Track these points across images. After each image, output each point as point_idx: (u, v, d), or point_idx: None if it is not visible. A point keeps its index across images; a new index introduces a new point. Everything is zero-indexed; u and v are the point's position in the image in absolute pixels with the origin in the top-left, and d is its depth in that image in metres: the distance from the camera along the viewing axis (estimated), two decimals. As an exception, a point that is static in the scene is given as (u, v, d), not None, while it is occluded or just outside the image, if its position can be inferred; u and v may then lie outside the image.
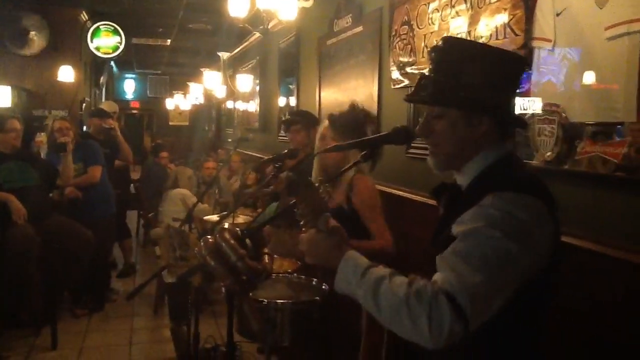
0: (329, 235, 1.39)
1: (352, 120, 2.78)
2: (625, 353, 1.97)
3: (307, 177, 1.40)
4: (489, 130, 1.42)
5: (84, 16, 8.64)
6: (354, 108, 2.86)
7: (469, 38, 2.93)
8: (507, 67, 1.46)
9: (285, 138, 4.94)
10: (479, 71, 1.41)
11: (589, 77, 2.21)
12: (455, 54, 1.44)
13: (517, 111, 2.58)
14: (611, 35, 2.08)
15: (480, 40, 2.82)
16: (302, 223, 1.42)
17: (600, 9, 2.14)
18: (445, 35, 3.15)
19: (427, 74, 1.51)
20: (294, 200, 1.48)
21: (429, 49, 1.51)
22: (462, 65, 1.41)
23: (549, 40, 2.41)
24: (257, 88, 8.51)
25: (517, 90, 1.53)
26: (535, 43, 2.50)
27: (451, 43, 1.50)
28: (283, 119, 4.02)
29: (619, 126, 2.06)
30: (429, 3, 3.36)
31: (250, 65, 9.06)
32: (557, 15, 2.37)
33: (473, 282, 1.19)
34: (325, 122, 2.86)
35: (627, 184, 2.02)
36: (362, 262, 1.33)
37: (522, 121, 1.53)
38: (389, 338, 1.46)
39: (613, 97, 2.09)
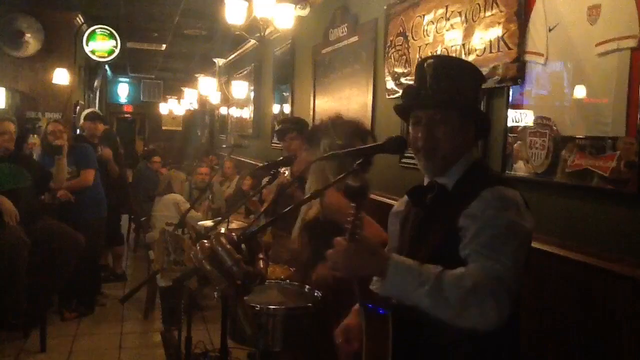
0: (362, 244, 1.38)
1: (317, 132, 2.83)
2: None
3: (367, 184, 1.39)
4: (473, 136, 1.63)
5: (80, 19, 8.64)
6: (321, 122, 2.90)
7: (463, 51, 2.98)
8: (480, 79, 1.69)
9: (279, 145, 4.95)
10: (468, 81, 1.61)
11: (580, 92, 2.25)
12: (449, 67, 1.61)
13: (510, 124, 2.64)
14: (602, 51, 2.13)
15: (475, 53, 2.87)
16: (352, 232, 1.39)
17: (592, 25, 2.18)
18: (438, 48, 3.19)
19: (419, 83, 1.63)
20: (289, 208, 1.50)
21: (418, 63, 1.61)
22: (457, 74, 1.58)
23: (542, 55, 2.46)
24: (252, 95, 8.53)
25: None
26: (528, 57, 2.54)
27: (442, 58, 1.72)
28: (276, 128, 3.98)
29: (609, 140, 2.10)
30: (424, 15, 3.40)
31: (245, 72, 9.09)
32: (550, 30, 2.42)
33: (511, 260, 1.36)
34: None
35: (615, 196, 2.06)
36: (410, 262, 1.39)
37: (488, 128, 1.75)
38: (395, 346, 1.47)
39: (603, 111, 2.13)
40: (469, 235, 1.43)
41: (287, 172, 3.22)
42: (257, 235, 1.63)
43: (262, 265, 1.54)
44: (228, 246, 1.43)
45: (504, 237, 1.40)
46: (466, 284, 1.30)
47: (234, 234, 1.52)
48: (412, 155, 3.60)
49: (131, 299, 5.05)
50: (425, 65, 1.62)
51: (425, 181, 1.66)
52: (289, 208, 1.49)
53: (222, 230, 1.60)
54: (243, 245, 1.52)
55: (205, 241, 1.48)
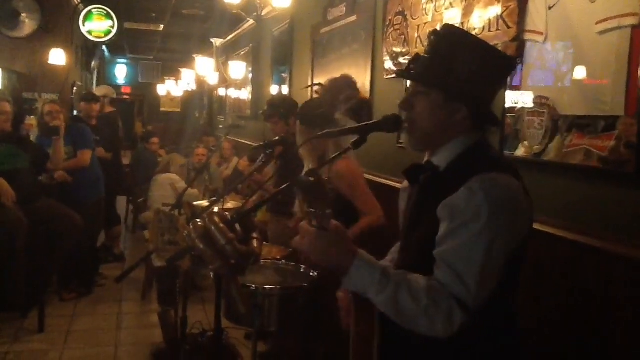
0: (334, 236, 1.34)
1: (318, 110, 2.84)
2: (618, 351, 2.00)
3: (317, 175, 1.36)
4: (465, 119, 1.47)
5: (76, -1, 8.57)
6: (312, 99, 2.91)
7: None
8: (496, 65, 1.51)
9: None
10: (470, 63, 1.45)
11: (579, 71, 2.23)
12: (452, 41, 1.48)
13: (508, 104, 2.61)
14: (602, 30, 2.10)
15: (474, 32, 2.83)
16: (306, 220, 1.37)
17: (592, 3, 2.15)
18: (437, 27, 3.15)
19: (422, 54, 1.54)
20: (284, 185, 1.48)
21: (429, 33, 1.53)
22: (457, 53, 1.46)
23: (541, 34, 2.43)
24: (250, 75, 8.48)
25: (501, 89, 1.61)
26: (527, 36, 2.51)
27: (451, 31, 1.53)
28: (264, 109, 4.02)
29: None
30: (423, -7, 3.36)
31: (243, 53, 9.02)
32: (550, 8, 2.38)
33: (475, 281, 1.30)
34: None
35: (614, 176, 2.05)
36: (375, 264, 1.35)
37: (496, 119, 1.56)
38: (381, 327, 1.46)
39: (602, 90, 2.11)
40: (443, 231, 1.36)
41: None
42: (252, 214, 1.62)
43: (256, 245, 1.52)
44: (221, 225, 1.41)
45: (477, 247, 1.31)
46: (422, 302, 1.29)
47: (227, 213, 1.50)
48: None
49: (129, 279, 5.09)
50: (432, 33, 1.53)
51: (408, 144, 1.58)
52: (282, 187, 1.47)
53: (216, 209, 1.60)
54: (237, 225, 1.50)
55: (199, 220, 1.46)
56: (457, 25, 2.95)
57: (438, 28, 1.56)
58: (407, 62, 3.49)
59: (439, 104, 1.46)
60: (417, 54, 1.55)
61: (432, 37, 1.52)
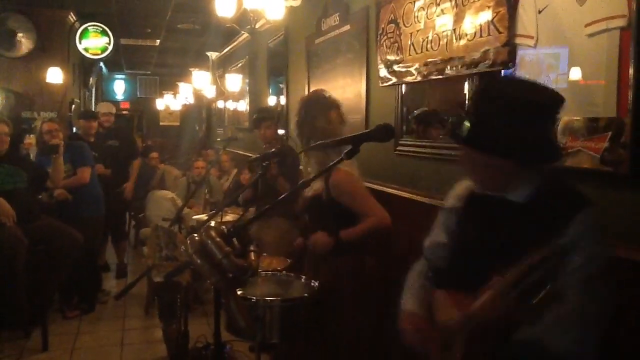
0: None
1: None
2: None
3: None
4: (514, 169, 1.53)
5: (72, 17, 8.61)
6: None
7: (454, 36, 2.96)
8: (548, 105, 1.52)
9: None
10: (513, 120, 1.47)
11: (571, 73, 2.24)
12: (503, 104, 1.49)
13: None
14: (591, 32, 2.12)
15: (465, 38, 2.85)
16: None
17: (580, 6, 2.17)
18: (430, 34, 3.17)
19: (471, 114, 1.56)
20: (279, 199, 1.50)
21: (473, 94, 1.58)
22: (501, 115, 1.48)
23: (532, 37, 2.44)
24: (247, 87, 8.51)
25: (553, 122, 1.62)
26: (518, 40, 2.52)
27: (500, 86, 1.59)
28: (253, 117, 4.38)
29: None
30: (414, 1, 3.38)
31: (239, 65, 9.06)
32: (539, 12, 2.40)
33: (603, 307, 1.45)
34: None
35: (608, 178, 2.05)
36: None
37: (554, 153, 1.58)
38: None
39: (594, 92, 2.12)
40: (571, 263, 1.41)
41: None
42: (248, 227, 1.63)
43: (253, 258, 1.53)
44: (218, 239, 1.43)
45: (603, 275, 1.44)
46: (576, 329, 1.41)
47: (224, 226, 1.51)
48: (408, 142, 3.62)
49: (132, 295, 5.09)
50: (475, 93, 1.61)
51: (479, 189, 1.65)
52: (279, 199, 1.48)
53: (212, 223, 1.60)
54: (234, 238, 1.52)
55: (195, 235, 1.47)
56: (447, 33, 2.99)
57: (482, 88, 1.61)
58: (402, 71, 3.52)
59: (485, 163, 1.52)
60: (461, 116, 1.59)
61: (476, 98, 1.57)
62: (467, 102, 2.93)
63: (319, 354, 2.74)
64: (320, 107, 2.85)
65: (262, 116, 4.44)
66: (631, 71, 1.93)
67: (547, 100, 1.52)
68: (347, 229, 2.62)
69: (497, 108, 1.47)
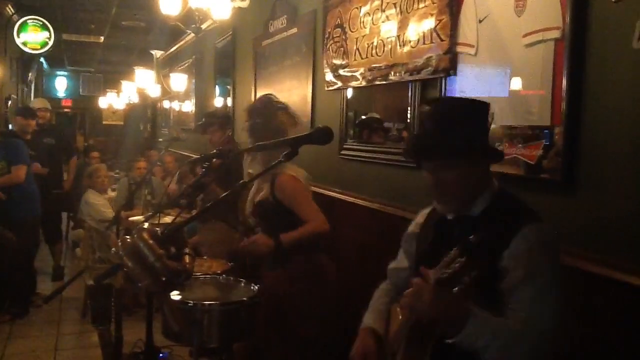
0: (451, 294, 1.38)
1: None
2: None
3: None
4: (485, 169, 1.66)
5: (10, 9, 8.27)
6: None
7: (398, 42, 2.99)
8: (483, 114, 1.67)
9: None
10: (472, 124, 1.61)
11: (509, 82, 2.29)
12: (451, 113, 1.62)
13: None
14: (528, 42, 2.18)
15: (409, 45, 2.89)
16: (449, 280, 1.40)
17: (519, 16, 2.23)
18: (374, 39, 3.20)
19: (421, 131, 1.71)
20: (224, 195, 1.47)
21: (419, 109, 1.65)
22: (460, 121, 1.58)
23: (472, 46, 2.49)
24: (193, 87, 8.38)
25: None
26: (459, 48, 2.57)
27: (441, 104, 1.74)
28: (200, 122, 4.51)
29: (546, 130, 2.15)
30: (360, 7, 3.40)
31: (186, 65, 8.92)
32: (480, 21, 2.45)
33: (553, 319, 1.48)
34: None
35: (542, 184, 2.11)
36: (485, 315, 1.44)
37: (500, 154, 1.73)
38: None
39: (530, 101, 2.18)
40: (515, 278, 1.49)
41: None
42: (182, 229, 1.59)
43: (188, 261, 1.49)
44: (150, 241, 1.38)
45: (550, 286, 1.49)
46: (527, 343, 1.44)
47: (157, 228, 1.47)
48: (352, 146, 3.64)
49: (68, 298, 4.91)
50: (425, 112, 1.66)
51: (442, 209, 1.70)
52: (212, 202, 1.45)
53: (146, 225, 1.56)
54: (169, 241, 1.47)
55: (128, 237, 1.42)
56: (391, 39, 3.02)
57: (429, 105, 1.71)
58: (347, 76, 3.53)
59: (467, 170, 1.59)
60: (413, 135, 1.64)
61: (425, 114, 1.64)
62: (409, 108, 2.96)
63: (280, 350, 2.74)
64: (270, 109, 2.86)
65: (208, 121, 4.45)
66: (564, 81, 1.99)
67: (483, 109, 1.66)
68: (288, 233, 2.62)
69: (449, 122, 1.58)
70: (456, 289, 1.34)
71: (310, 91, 4.20)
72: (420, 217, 1.88)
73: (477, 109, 1.67)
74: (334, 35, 3.75)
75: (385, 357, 1.72)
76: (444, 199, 1.65)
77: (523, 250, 1.49)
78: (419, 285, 1.43)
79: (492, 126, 2.33)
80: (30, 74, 11.31)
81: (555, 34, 2.04)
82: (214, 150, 2.84)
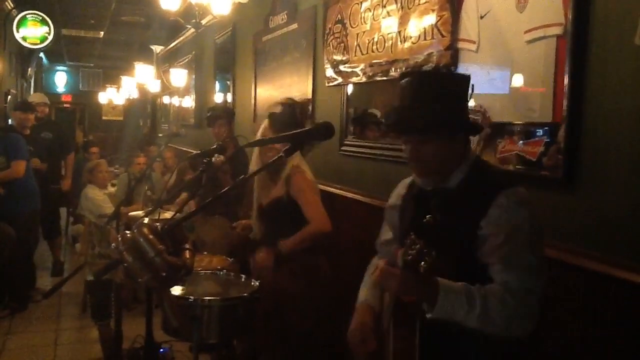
0: (419, 275, 1.39)
1: (289, 117, 2.83)
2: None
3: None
4: (463, 141, 1.66)
5: (9, 4, 8.24)
6: (289, 105, 2.91)
7: (399, 38, 2.99)
8: (463, 87, 1.67)
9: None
10: (453, 96, 1.62)
11: (510, 79, 2.29)
12: (429, 84, 1.61)
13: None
14: (530, 39, 2.17)
15: (410, 41, 2.88)
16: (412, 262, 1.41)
17: (520, 13, 2.22)
18: (375, 35, 3.19)
19: (399, 104, 1.64)
20: (215, 196, 1.46)
21: (400, 82, 1.64)
22: (439, 94, 1.58)
23: (474, 42, 2.49)
24: (193, 83, 8.36)
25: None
26: (460, 44, 2.56)
27: (421, 75, 1.73)
28: (208, 114, 4.45)
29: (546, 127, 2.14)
30: (361, 2, 3.39)
31: (186, 60, 8.90)
32: (481, 17, 2.44)
33: (537, 274, 1.49)
34: (266, 121, 2.88)
35: (543, 181, 2.10)
36: (457, 288, 1.46)
37: (477, 127, 1.75)
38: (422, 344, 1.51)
39: (531, 98, 2.17)
40: (494, 243, 1.51)
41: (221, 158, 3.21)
42: (182, 224, 1.58)
43: (188, 256, 1.49)
44: (150, 236, 1.38)
45: (529, 243, 1.50)
46: (509, 305, 1.44)
47: (157, 223, 1.46)
48: (352, 142, 3.63)
49: (68, 294, 4.91)
50: (404, 83, 1.62)
51: (421, 181, 1.71)
52: (215, 196, 1.45)
53: (146, 220, 1.55)
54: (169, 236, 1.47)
55: (128, 232, 1.42)
56: (392, 35, 3.02)
57: (406, 78, 1.65)
58: (347, 72, 3.53)
59: (445, 142, 1.59)
60: (392, 108, 1.63)
61: (404, 85, 1.62)
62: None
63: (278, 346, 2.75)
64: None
65: (216, 114, 4.37)
66: (566, 78, 1.99)
67: (463, 82, 1.67)
68: (286, 240, 2.65)
69: (427, 95, 1.58)
70: (422, 266, 1.35)
71: (311, 87, 4.19)
72: (402, 187, 1.89)
73: (456, 82, 1.68)
74: (335, 31, 3.74)
75: (382, 332, 1.73)
76: (422, 172, 1.66)
77: (499, 215, 1.52)
78: (385, 270, 1.47)
79: (495, 121, 2.34)
80: (29, 69, 11.27)
81: (557, 30, 2.03)
82: (214, 146, 2.83)
